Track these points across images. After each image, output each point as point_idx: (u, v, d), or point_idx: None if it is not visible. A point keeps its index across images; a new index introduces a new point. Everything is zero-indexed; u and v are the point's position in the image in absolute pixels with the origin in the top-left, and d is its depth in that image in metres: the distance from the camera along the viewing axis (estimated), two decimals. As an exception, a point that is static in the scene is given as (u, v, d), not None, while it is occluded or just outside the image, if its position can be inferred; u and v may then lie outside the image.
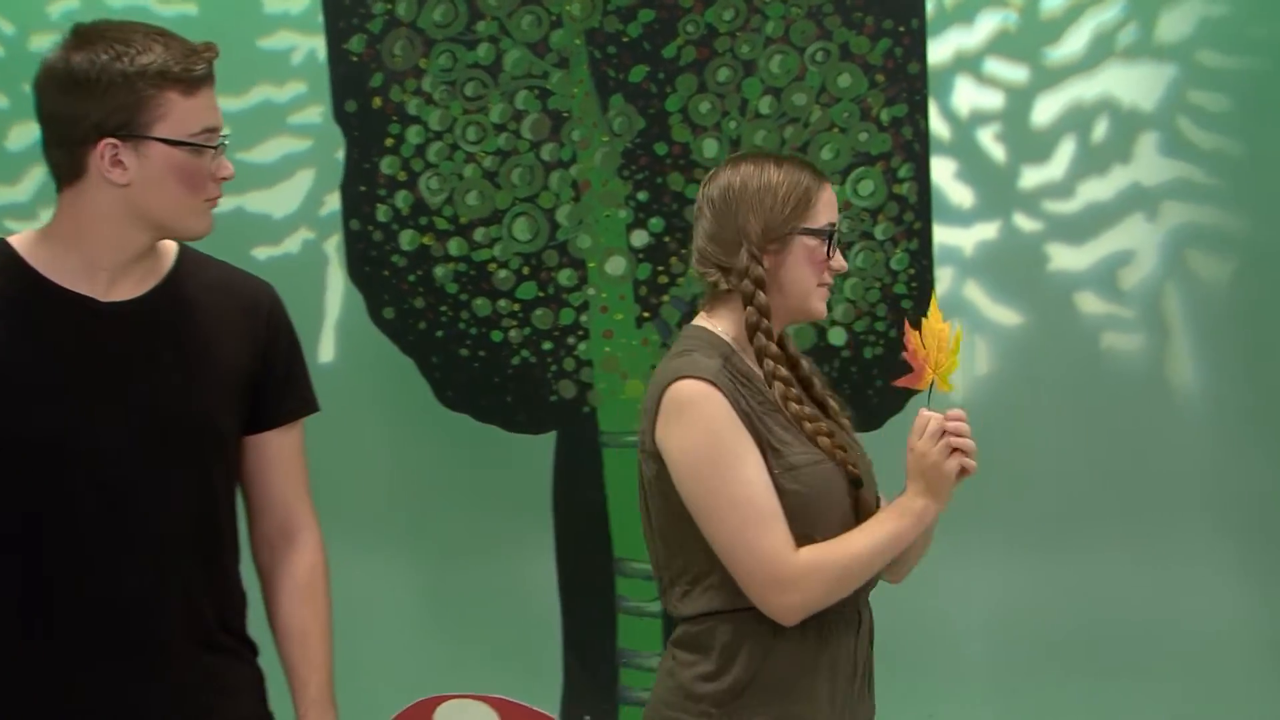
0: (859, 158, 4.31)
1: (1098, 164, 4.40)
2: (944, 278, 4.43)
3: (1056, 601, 4.43)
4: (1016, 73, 4.43)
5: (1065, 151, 4.41)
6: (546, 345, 4.44)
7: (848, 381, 4.46)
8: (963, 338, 2.38)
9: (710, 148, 4.43)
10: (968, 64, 4.44)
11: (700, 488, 2.24)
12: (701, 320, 2.45)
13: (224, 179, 2.40)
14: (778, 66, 4.38)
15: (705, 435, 2.23)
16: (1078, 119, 4.41)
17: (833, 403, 2.54)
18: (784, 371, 2.36)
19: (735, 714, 2.32)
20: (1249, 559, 4.45)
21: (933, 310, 2.37)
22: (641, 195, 4.42)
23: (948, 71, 4.43)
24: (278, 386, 2.55)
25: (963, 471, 2.34)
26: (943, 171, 4.43)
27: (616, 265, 4.43)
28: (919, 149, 4.33)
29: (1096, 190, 4.41)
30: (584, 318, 4.44)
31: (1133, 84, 4.37)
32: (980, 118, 4.45)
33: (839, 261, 2.41)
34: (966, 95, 4.44)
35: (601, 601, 4.45)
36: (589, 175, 4.40)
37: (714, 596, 2.33)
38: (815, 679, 2.35)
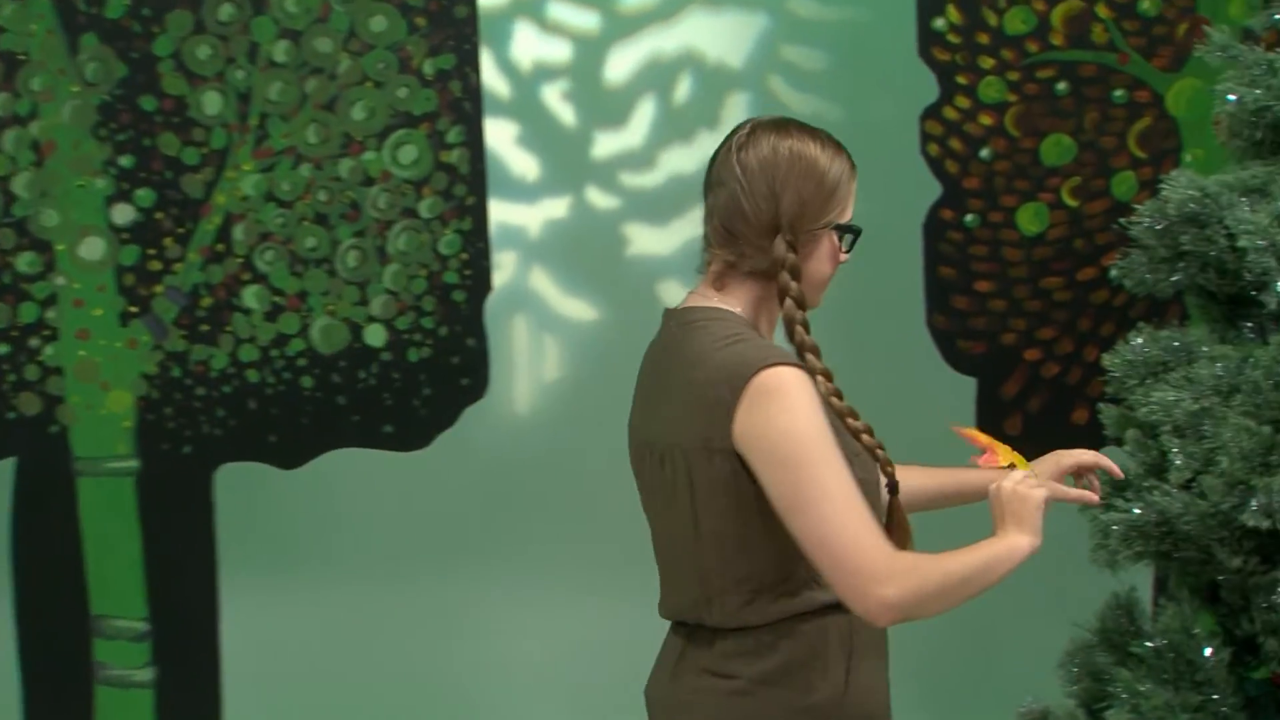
0: (398, 118, 4.15)
1: (681, 129, 4.24)
2: (505, 264, 4.19)
3: (641, 620, 3.99)
4: (585, 19, 4.21)
5: (644, 114, 4.23)
6: (2, 348, 4.06)
7: (388, 389, 4.13)
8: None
9: (213, 102, 4.09)
10: (527, 8, 4.20)
11: (798, 475, 2.25)
12: (711, 299, 2.39)
13: None
14: (295, 4, 4.10)
15: (805, 422, 2.24)
16: (657, 76, 4.21)
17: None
18: (823, 365, 2.36)
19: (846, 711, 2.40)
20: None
21: (974, 433, 2.51)
22: (125, 160, 4.09)
23: (504, 16, 4.19)
24: None
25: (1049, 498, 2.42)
26: (501, 136, 4.19)
27: (93, 248, 4.09)
28: (470, 109, 4.14)
29: (680, 161, 4.20)
30: (51, 314, 4.10)
31: (718, 35, 4.19)
32: (544, 72, 4.21)
33: (845, 255, 2.46)
34: (527, 45, 4.20)
35: (74, 671, 4.14)
36: (55, 135, 4.05)
37: (794, 600, 2.36)
38: (882, 679, 2.49)
